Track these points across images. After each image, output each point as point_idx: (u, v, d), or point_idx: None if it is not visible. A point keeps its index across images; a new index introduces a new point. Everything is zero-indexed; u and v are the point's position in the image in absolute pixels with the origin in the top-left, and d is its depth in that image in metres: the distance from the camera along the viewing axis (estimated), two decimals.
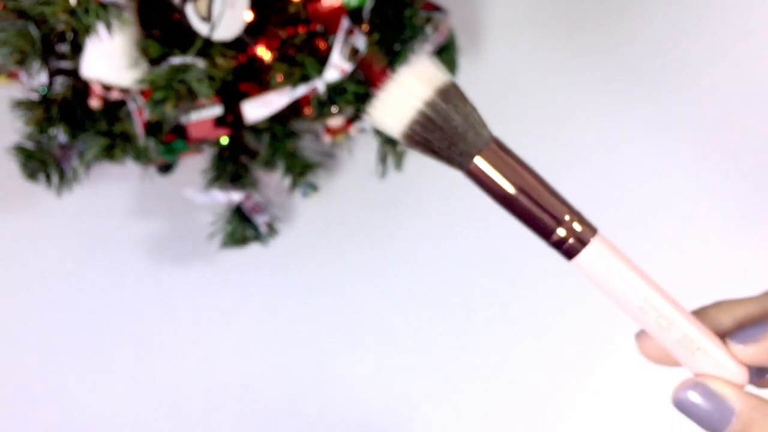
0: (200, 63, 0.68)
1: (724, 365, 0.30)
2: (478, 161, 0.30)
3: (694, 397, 0.29)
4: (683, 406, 0.30)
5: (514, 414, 1.01)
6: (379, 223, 1.07)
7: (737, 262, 1.03)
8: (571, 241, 0.30)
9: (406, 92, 0.29)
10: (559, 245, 0.30)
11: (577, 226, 0.30)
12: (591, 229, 0.30)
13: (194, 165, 0.96)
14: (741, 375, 0.30)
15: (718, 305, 0.32)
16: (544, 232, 0.30)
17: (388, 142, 0.87)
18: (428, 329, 1.02)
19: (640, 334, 0.32)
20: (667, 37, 1.13)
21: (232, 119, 0.85)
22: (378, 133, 0.87)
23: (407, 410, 1.01)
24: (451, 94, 0.30)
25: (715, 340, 0.31)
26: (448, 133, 0.29)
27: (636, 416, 1.00)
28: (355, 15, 0.75)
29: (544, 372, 1.02)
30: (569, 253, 0.30)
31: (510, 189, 0.30)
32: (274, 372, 1.01)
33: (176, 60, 0.68)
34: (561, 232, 0.30)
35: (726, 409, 0.29)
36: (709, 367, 0.30)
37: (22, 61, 0.69)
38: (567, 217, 0.30)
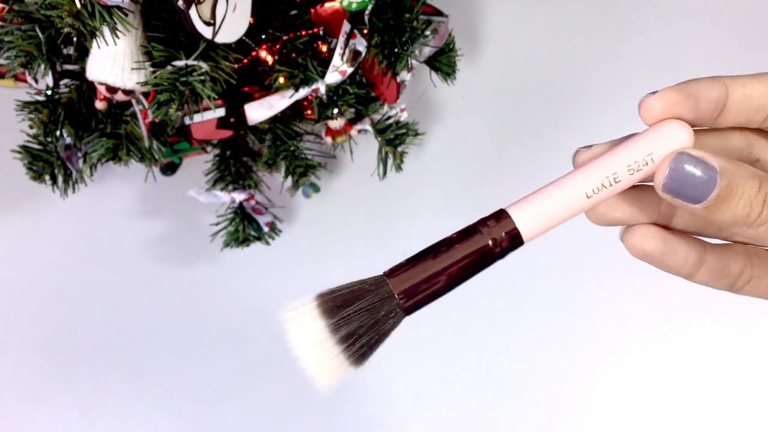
0: (204, 65, 0.69)
1: (670, 138, 0.29)
2: (401, 300, 0.29)
3: (679, 168, 0.28)
4: (672, 181, 0.28)
5: (512, 413, 1.01)
6: (379, 224, 1.07)
7: None
8: (503, 236, 0.30)
9: (314, 348, 0.29)
10: (503, 245, 0.30)
11: (493, 226, 0.30)
12: (502, 214, 0.30)
13: (197, 166, 0.97)
14: (685, 133, 0.29)
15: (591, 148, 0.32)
16: (488, 257, 0.30)
17: (388, 143, 0.88)
18: (428, 329, 1.02)
19: (592, 212, 0.32)
20: (665, 40, 1.13)
21: (234, 121, 0.86)
22: (379, 133, 0.88)
23: (407, 410, 1.01)
24: (329, 306, 0.29)
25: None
26: (368, 322, 0.29)
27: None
28: (355, 18, 0.76)
29: (544, 371, 1.03)
30: (516, 243, 0.30)
31: (439, 281, 0.29)
32: (274, 372, 1.01)
33: (180, 63, 0.68)
34: (491, 243, 0.30)
35: (709, 169, 0.27)
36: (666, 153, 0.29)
37: (28, 64, 0.70)
38: (483, 230, 0.30)
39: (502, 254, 0.30)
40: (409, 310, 0.29)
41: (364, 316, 0.29)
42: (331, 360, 0.29)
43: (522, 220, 0.30)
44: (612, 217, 0.32)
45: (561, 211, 0.30)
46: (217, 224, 0.94)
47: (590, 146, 0.32)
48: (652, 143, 0.30)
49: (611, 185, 0.29)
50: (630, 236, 0.31)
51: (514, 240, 0.30)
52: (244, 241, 0.94)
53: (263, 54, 0.80)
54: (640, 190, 0.32)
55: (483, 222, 0.30)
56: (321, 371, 0.30)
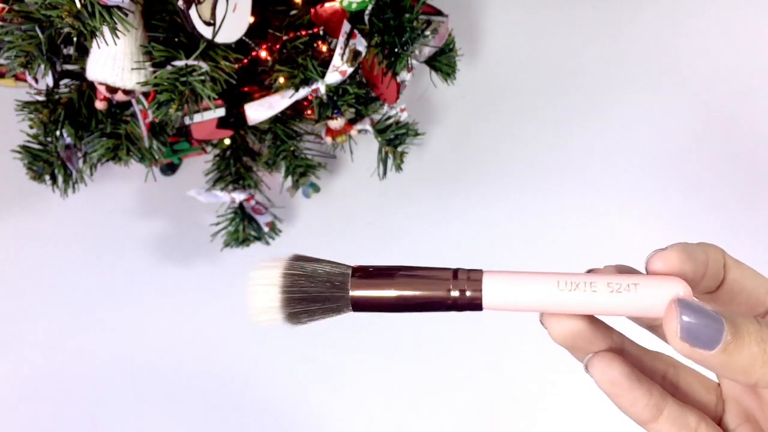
0: (204, 65, 0.69)
1: (664, 286, 0.29)
2: (354, 294, 0.31)
3: (688, 315, 0.27)
4: (685, 328, 0.27)
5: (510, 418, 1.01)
6: (379, 224, 1.07)
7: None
8: (468, 293, 0.31)
9: (262, 290, 0.32)
10: (463, 303, 0.31)
11: (466, 283, 0.31)
12: (476, 273, 0.31)
13: (197, 166, 0.97)
14: (682, 287, 0.29)
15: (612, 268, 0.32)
16: (442, 304, 0.31)
17: (388, 143, 0.88)
18: (427, 329, 1.02)
19: (545, 317, 0.31)
20: (664, 40, 1.13)
21: (234, 121, 0.86)
22: (379, 133, 0.88)
23: (406, 409, 1.01)
24: (292, 270, 0.32)
25: (635, 274, 0.31)
26: (316, 296, 0.32)
27: None
28: (355, 18, 0.76)
29: (545, 376, 1.03)
30: (474, 305, 0.31)
31: (392, 295, 0.31)
32: (275, 371, 1.01)
33: (180, 63, 0.68)
34: (454, 293, 0.31)
35: (711, 313, 0.27)
36: (652, 296, 0.29)
37: (28, 64, 0.70)
38: (451, 281, 0.31)
39: (456, 309, 0.31)
40: (356, 309, 0.32)
41: (316, 288, 0.32)
42: (271, 308, 0.32)
43: (490, 291, 0.30)
44: (566, 329, 0.31)
45: (528, 299, 0.30)
46: (217, 224, 0.94)
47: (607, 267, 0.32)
48: (645, 281, 0.30)
49: (584, 291, 0.29)
50: (596, 361, 0.30)
51: (474, 304, 0.31)
52: (244, 241, 0.94)
53: (263, 54, 0.80)
54: (594, 321, 0.32)
55: (458, 271, 0.31)
56: (259, 311, 0.32)
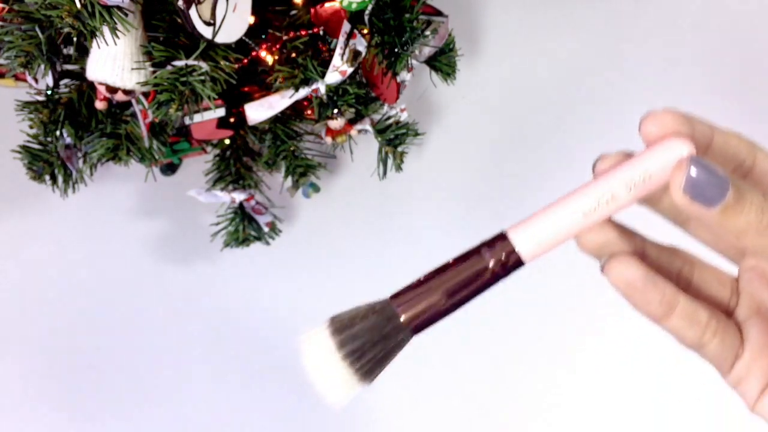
0: (204, 65, 0.69)
1: (670, 150, 0.30)
2: (406, 317, 0.31)
3: (694, 171, 0.28)
4: (690, 183, 0.28)
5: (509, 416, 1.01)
6: (379, 224, 1.07)
7: None
8: (503, 257, 0.31)
9: (324, 367, 0.32)
10: (505, 266, 0.31)
11: (494, 249, 0.31)
12: (502, 236, 0.31)
13: (197, 166, 0.97)
14: (687, 147, 0.29)
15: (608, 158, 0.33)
16: (488, 281, 0.31)
17: (388, 143, 0.88)
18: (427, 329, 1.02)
19: (581, 237, 0.32)
20: (667, 40, 1.13)
21: (234, 121, 0.86)
22: (379, 133, 0.88)
23: (405, 408, 1.01)
24: (339, 326, 0.32)
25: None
26: (375, 339, 0.31)
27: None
28: (355, 18, 0.76)
29: (545, 372, 1.03)
30: (515, 263, 0.31)
31: (442, 301, 0.31)
32: (275, 371, 1.02)
33: (180, 63, 0.68)
34: (493, 265, 0.31)
35: (720, 175, 0.28)
36: (663, 168, 0.30)
37: (28, 64, 0.70)
38: (486, 254, 0.31)
39: (502, 275, 0.31)
40: (415, 331, 0.31)
41: (370, 334, 0.31)
42: (341, 375, 0.31)
43: (521, 242, 0.31)
44: (596, 241, 0.32)
45: (559, 232, 0.31)
46: (217, 224, 0.94)
47: (610, 154, 0.33)
48: (652, 159, 0.30)
49: (608, 204, 0.30)
50: (613, 264, 0.31)
51: (515, 262, 0.31)
52: (244, 241, 0.94)
53: (263, 54, 0.80)
54: (618, 225, 0.33)
55: (484, 244, 0.31)
56: (331, 386, 0.32)
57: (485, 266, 0.31)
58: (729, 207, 0.28)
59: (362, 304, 0.32)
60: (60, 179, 0.83)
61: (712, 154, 0.32)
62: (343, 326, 0.32)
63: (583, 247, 0.32)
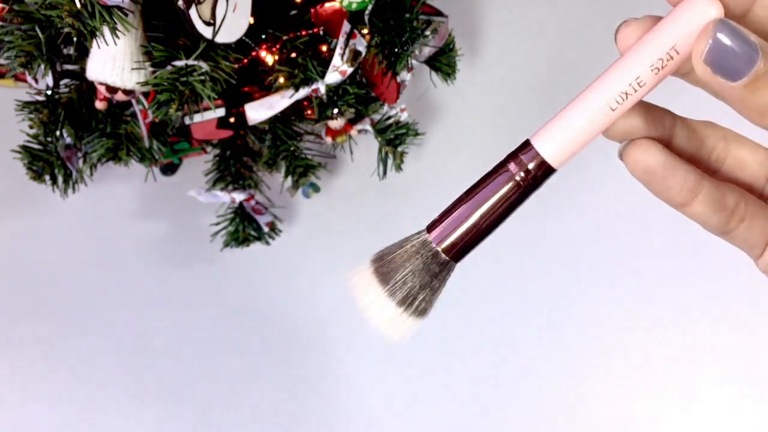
0: (204, 65, 0.69)
1: (696, 12, 0.26)
2: (447, 250, 0.31)
3: (723, 36, 0.25)
4: (713, 52, 0.25)
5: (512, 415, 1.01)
6: (379, 224, 1.07)
7: None
8: (532, 167, 0.30)
9: (376, 307, 0.32)
10: (535, 177, 0.30)
11: (520, 160, 0.30)
12: (527, 145, 0.30)
13: (197, 166, 0.97)
14: (715, 7, 0.26)
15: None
16: (522, 195, 0.30)
17: (388, 143, 0.88)
18: (427, 328, 1.02)
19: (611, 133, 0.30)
20: None
21: (234, 121, 0.86)
22: (379, 133, 0.88)
23: (406, 407, 1.01)
24: (383, 272, 0.32)
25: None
26: (423, 286, 0.31)
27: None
28: (356, 18, 0.76)
29: (546, 370, 1.03)
30: (546, 172, 0.30)
31: (478, 225, 0.31)
32: (275, 370, 1.02)
33: (180, 63, 0.69)
34: (520, 176, 0.30)
35: (750, 43, 0.25)
36: (689, 34, 0.27)
37: (28, 64, 0.70)
38: (511, 166, 0.30)
39: (534, 186, 0.30)
40: (457, 258, 0.31)
41: (418, 277, 0.31)
42: (400, 320, 0.31)
43: (548, 148, 0.29)
44: (620, 129, 0.30)
45: (586, 131, 0.29)
46: (217, 224, 0.94)
47: (635, 20, 0.29)
48: (677, 26, 0.27)
49: (635, 92, 0.28)
50: (632, 149, 0.29)
51: (545, 170, 0.30)
52: (244, 241, 0.94)
53: (263, 54, 0.80)
54: (646, 106, 0.30)
55: (510, 157, 0.30)
56: (391, 329, 0.32)
57: (516, 181, 0.30)
58: (753, 80, 0.25)
59: (399, 241, 0.32)
60: (60, 179, 0.83)
61: (749, 23, 0.27)
62: (389, 274, 0.31)
63: (606, 135, 0.30)
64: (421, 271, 0.31)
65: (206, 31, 0.66)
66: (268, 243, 0.96)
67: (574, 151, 0.29)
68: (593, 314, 1.03)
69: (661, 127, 0.30)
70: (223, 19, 0.66)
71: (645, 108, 0.30)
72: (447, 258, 0.31)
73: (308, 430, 1.00)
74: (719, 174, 0.31)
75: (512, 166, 0.30)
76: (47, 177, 0.83)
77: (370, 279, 0.32)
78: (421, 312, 0.31)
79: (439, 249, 0.30)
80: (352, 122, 0.87)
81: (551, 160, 0.29)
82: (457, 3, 1.10)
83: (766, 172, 0.32)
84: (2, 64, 0.71)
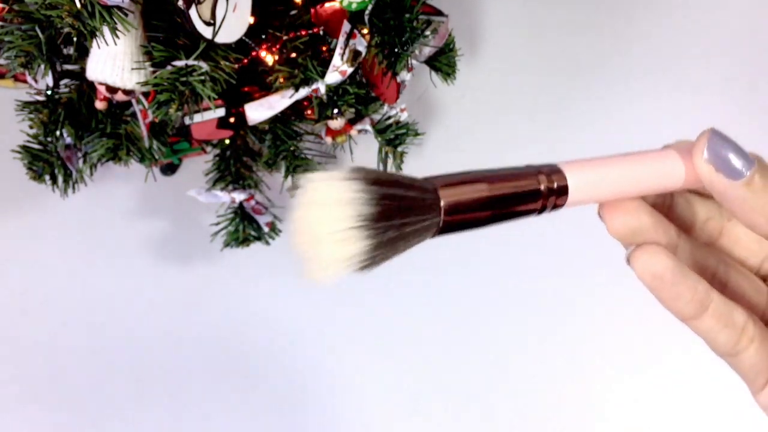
0: (204, 65, 0.69)
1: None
2: (445, 214, 0.27)
3: (717, 140, 0.27)
4: (713, 152, 0.27)
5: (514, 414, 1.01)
6: None
7: None
8: (555, 187, 0.28)
9: (326, 230, 0.25)
10: (553, 198, 0.28)
11: (551, 177, 0.29)
12: (556, 169, 0.29)
13: (197, 166, 0.97)
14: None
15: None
16: (535, 205, 0.29)
17: (388, 143, 0.88)
18: (427, 328, 1.02)
19: (606, 210, 0.29)
20: (666, 39, 1.13)
21: (234, 121, 0.86)
22: (379, 133, 0.88)
23: (406, 406, 1.01)
24: (370, 190, 0.25)
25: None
26: (397, 230, 0.26)
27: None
28: (356, 18, 0.76)
29: (547, 369, 1.03)
30: (560, 194, 0.28)
31: (485, 208, 0.28)
32: (275, 370, 1.02)
33: (180, 63, 0.68)
34: (543, 187, 0.29)
35: (745, 153, 0.26)
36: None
37: (28, 64, 0.70)
38: (540, 179, 0.29)
39: (548, 207, 0.29)
40: (444, 230, 0.27)
41: (400, 205, 0.25)
42: (338, 255, 0.24)
43: (573, 180, 0.28)
44: (628, 225, 0.29)
45: (613, 185, 0.28)
46: (217, 224, 0.94)
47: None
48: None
49: (667, 178, 0.29)
50: (640, 253, 0.28)
51: (560, 200, 0.28)
52: (244, 241, 0.94)
53: (263, 54, 0.80)
54: (657, 215, 0.30)
55: (539, 170, 0.29)
56: (321, 262, 0.25)
57: (538, 189, 0.28)
58: (754, 179, 0.26)
59: (404, 176, 0.27)
60: (60, 179, 0.83)
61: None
62: (376, 195, 0.25)
63: (613, 230, 0.29)
64: (407, 207, 0.26)
65: (206, 31, 0.65)
66: (268, 243, 0.96)
67: (592, 198, 0.29)
68: (594, 311, 1.03)
69: (666, 236, 0.30)
70: (223, 19, 0.66)
71: (653, 213, 0.30)
72: (438, 224, 0.27)
73: (308, 429, 1.00)
74: (723, 294, 0.30)
75: (540, 179, 0.29)
76: (47, 177, 0.83)
77: (347, 188, 0.25)
78: (366, 267, 0.26)
79: (439, 209, 0.26)
80: (352, 122, 0.87)
81: (571, 194, 0.28)
82: (457, 3, 1.10)
83: (766, 300, 0.31)
84: (2, 64, 0.71)
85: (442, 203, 0.26)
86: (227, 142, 0.93)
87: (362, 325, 1.03)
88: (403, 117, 0.89)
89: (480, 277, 1.05)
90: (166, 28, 0.72)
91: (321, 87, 0.77)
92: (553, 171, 0.29)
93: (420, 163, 1.07)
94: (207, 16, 0.65)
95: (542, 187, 0.28)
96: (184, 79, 0.68)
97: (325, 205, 0.24)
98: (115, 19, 0.61)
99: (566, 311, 1.03)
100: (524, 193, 0.28)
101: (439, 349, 1.02)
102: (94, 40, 0.63)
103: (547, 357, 1.03)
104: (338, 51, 0.74)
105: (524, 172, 0.29)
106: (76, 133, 0.81)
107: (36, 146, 0.82)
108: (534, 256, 1.04)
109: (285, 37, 0.79)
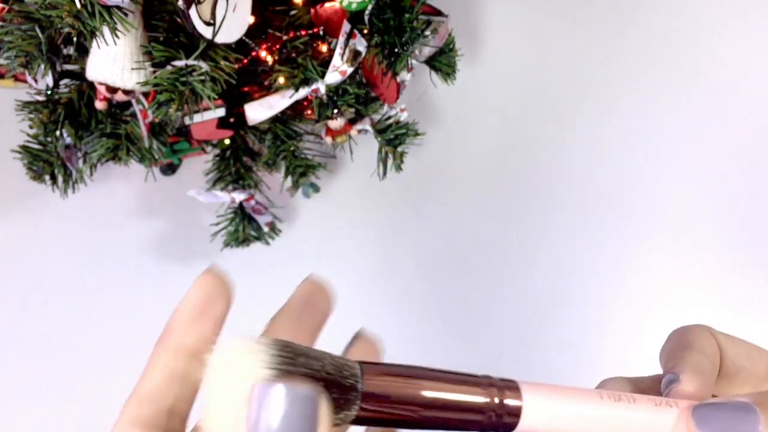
0: (204, 65, 0.69)
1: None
2: (368, 389, 0.24)
3: (711, 416, 0.24)
4: (706, 421, 0.24)
5: None
6: (379, 224, 1.07)
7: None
8: (504, 407, 0.25)
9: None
10: (499, 418, 0.25)
11: (503, 394, 0.25)
12: (513, 385, 0.25)
13: (197, 166, 0.97)
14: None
15: (614, 380, 0.29)
16: (474, 420, 0.25)
17: (388, 143, 0.88)
18: (427, 328, 1.02)
19: None
20: (666, 40, 1.13)
21: (234, 121, 0.86)
22: (379, 133, 0.88)
23: None
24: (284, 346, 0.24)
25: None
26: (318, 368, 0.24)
27: None
28: (355, 18, 0.76)
29: (546, 369, 1.03)
30: (510, 424, 0.25)
31: (414, 413, 0.24)
32: None
33: (180, 63, 0.68)
34: (492, 400, 0.25)
35: (743, 408, 0.24)
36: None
37: (28, 64, 0.70)
38: (489, 391, 0.25)
39: (490, 427, 0.25)
40: (359, 421, 0.24)
41: (318, 362, 0.24)
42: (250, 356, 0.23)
43: (530, 404, 0.25)
44: None
45: (570, 408, 0.26)
46: (217, 224, 0.94)
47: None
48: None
49: (628, 403, 0.26)
50: None
51: (510, 422, 0.25)
52: (244, 241, 0.94)
53: (263, 54, 0.80)
54: None
55: (492, 382, 0.25)
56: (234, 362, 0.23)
57: (480, 403, 0.25)
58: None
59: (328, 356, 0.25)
60: (60, 179, 0.83)
61: (723, 376, 0.27)
62: (291, 349, 0.23)
63: None
64: (327, 367, 0.24)
65: (206, 31, 0.65)
66: (268, 243, 0.96)
67: (545, 428, 0.25)
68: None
69: None
70: (223, 19, 0.66)
71: None
72: (359, 396, 0.24)
73: None
74: None
75: (489, 392, 0.25)
76: (47, 177, 0.83)
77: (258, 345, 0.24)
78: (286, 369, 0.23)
79: (358, 392, 0.24)
80: (352, 122, 0.87)
81: (523, 420, 0.25)
82: (457, 3, 1.10)
83: None
84: (2, 64, 0.71)
85: (361, 390, 0.24)
86: (227, 142, 0.93)
87: (364, 324, 1.03)
88: (403, 117, 0.89)
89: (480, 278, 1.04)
90: (166, 28, 0.72)
91: (321, 87, 0.77)
92: (508, 387, 0.25)
93: (420, 163, 1.07)
94: (207, 16, 0.65)
95: (489, 401, 0.25)
96: (184, 79, 0.68)
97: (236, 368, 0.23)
98: (115, 19, 0.61)
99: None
100: (464, 404, 0.25)
101: (439, 349, 1.02)
102: (94, 40, 0.63)
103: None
104: (338, 51, 0.75)
105: (474, 380, 0.25)
106: (76, 133, 0.81)
107: (36, 146, 0.82)
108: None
109: (285, 37, 0.79)
